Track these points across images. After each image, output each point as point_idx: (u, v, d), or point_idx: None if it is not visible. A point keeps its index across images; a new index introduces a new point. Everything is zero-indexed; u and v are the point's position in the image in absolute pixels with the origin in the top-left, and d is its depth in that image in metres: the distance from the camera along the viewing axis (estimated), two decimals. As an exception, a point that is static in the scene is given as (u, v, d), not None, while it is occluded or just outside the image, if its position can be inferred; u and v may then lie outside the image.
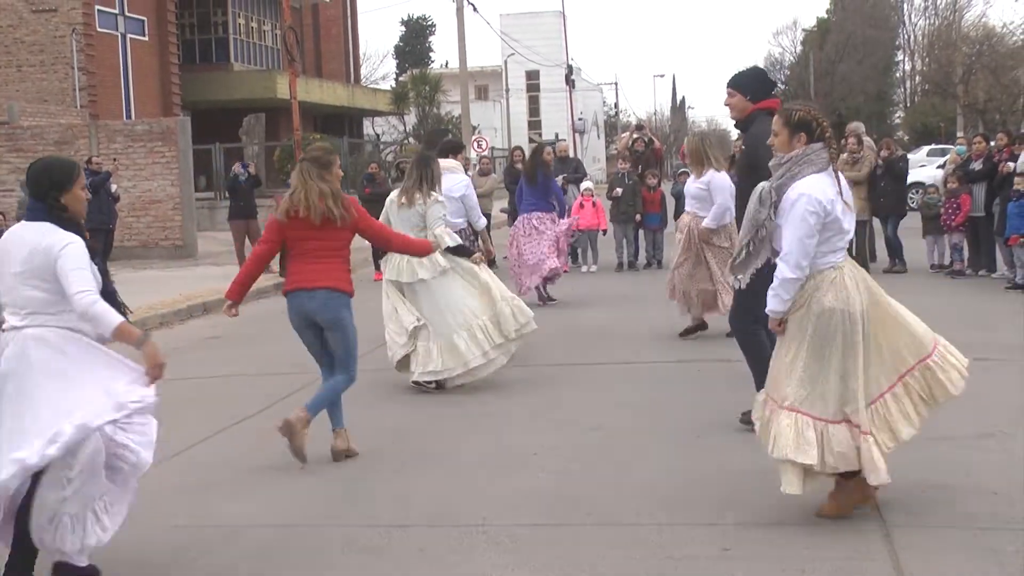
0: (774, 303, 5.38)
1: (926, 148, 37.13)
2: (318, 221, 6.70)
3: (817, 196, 5.26)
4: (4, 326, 4.92)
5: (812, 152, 5.37)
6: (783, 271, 5.32)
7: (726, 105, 7.44)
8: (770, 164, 5.56)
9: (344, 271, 6.92)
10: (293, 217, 6.78)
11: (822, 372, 5.28)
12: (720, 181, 10.57)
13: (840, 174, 5.49)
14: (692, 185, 11.01)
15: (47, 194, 4.90)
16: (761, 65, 70.69)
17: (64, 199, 4.91)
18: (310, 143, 30.05)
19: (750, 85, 7.29)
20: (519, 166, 17.52)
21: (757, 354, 7.19)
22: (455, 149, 10.71)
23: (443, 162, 9.74)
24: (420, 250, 7.80)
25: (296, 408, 6.90)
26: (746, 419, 7.28)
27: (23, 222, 4.99)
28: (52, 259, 4.78)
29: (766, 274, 7.13)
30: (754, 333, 7.18)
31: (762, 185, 5.48)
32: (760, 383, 7.26)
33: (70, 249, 4.81)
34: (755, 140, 7.11)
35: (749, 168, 7.23)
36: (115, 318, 4.82)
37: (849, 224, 5.44)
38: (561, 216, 14.17)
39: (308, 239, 6.81)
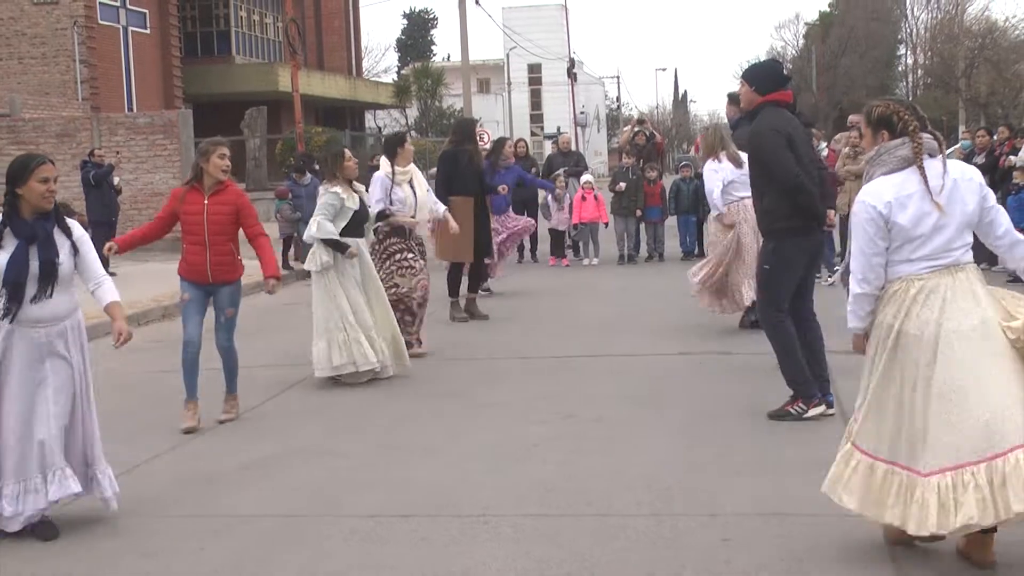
0: (851, 320, 4.92)
1: None
2: None
3: (872, 202, 4.76)
4: None
5: (885, 151, 4.84)
6: (852, 286, 4.88)
7: (739, 95, 7.63)
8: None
9: None
10: None
11: (881, 402, 4.76)
12: (706, 170, 10.82)
13: (933, 164, 4.80)
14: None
15: None
16: (763, 59, 70.99)
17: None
18: (312, 136, 30.18)
19: (758, 78, 7.43)
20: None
21: (784, 344, 7.27)
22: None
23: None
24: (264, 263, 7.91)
25: None
26: (776, 415, 7.33)
27: None
28: None
29: (783, 262, 7.21)
30: (780, 323, 7.28)
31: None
32: (788, 376, 7.31)
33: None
34: (758, 131, 7.21)
35: (753, 159, 7.34)
36: None
37: (928, 228, 4.72)
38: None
39: None
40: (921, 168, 4.77)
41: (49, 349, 5.52)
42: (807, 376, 7.25)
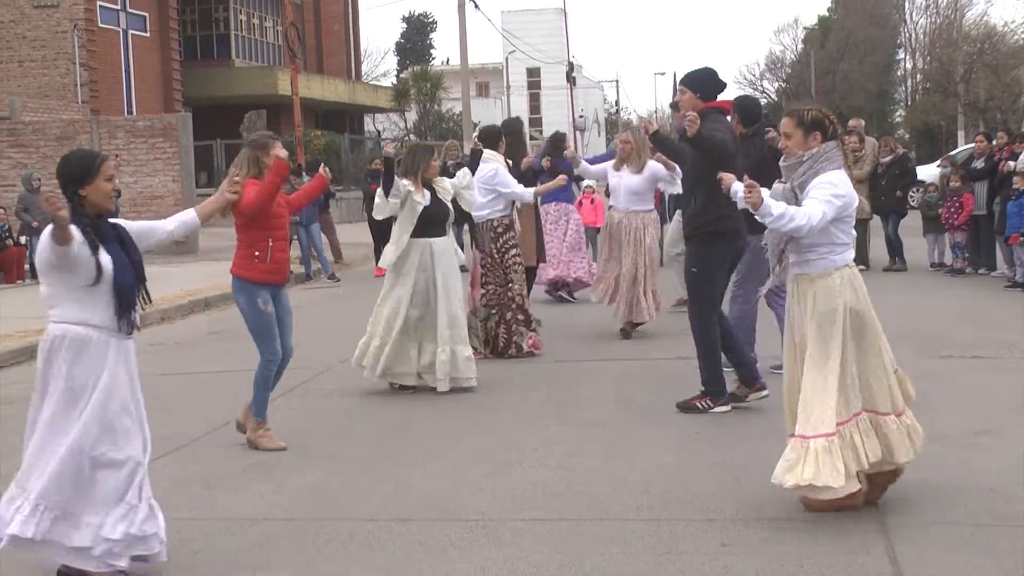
0: (765, 209, 5.27)
1: None
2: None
3: (848, 191, 5.38)
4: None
5: (829, 150, 5.44)
6: (797, 220, 5.24)
7: (677, 102, 7.76)
8: (783, 164, 5.59)
9: (237, 255, 7.02)
10: None
11: (845, 371, 5.32)
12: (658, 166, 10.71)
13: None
14: (632, 179, 10.95)
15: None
16: (762, 63, 70.92)
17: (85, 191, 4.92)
18: (311, 139, 30.19)
19: (702, 84, 7.65)
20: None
21: (709, 345, 7.70)
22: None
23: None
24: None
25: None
26: (684, 406, 7.77)
27: None
28: None
29: (708, 266, 7.49)
30: (709, 323, 7.67)
31: (779, 186, 5.55)
32: (706, 375, 7.75)
33: None
34: (712, 127, 7.31)
35: (696, 157, 7.50)
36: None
37: (854, 221, 5.59)
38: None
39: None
40: (849, 168, 5.51)
41: (133, 364, 5.08)
42: (722, 378, 7.73)
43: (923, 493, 5.74)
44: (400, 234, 8.75)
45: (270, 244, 7.01)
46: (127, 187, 22.01)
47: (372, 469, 6.68)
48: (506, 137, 11.33)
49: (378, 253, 18.52)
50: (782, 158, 5.61)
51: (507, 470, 6.52)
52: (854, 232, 5.63)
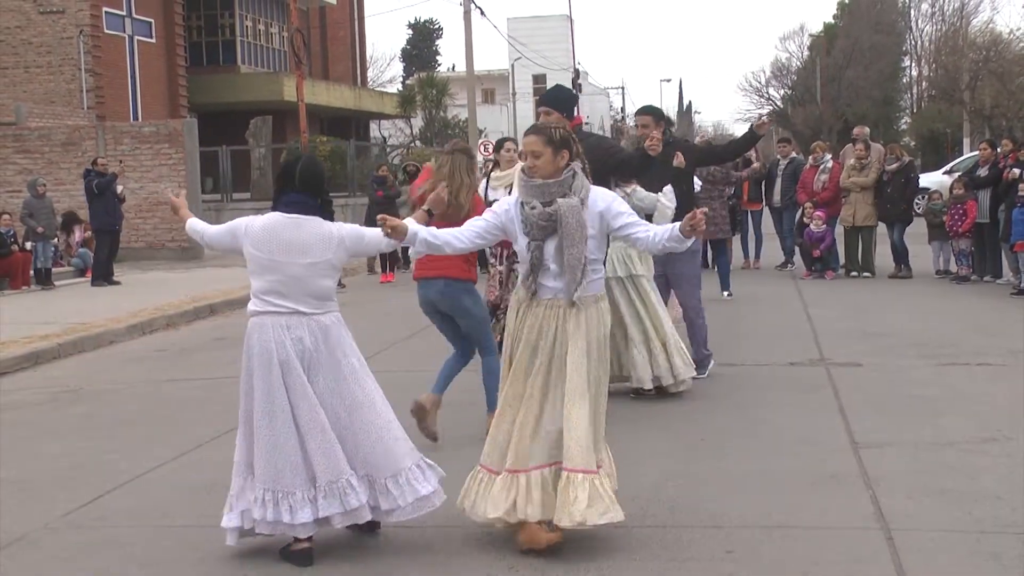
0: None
1: None
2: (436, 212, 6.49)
3: None
4: (256, 310, 5.53)
5: (583, 169, 5.32)
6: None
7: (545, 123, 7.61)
8: (536, 183, 5.25)
9: (461, 260, 6.96)
10: None
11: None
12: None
13: None
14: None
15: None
16: (768, 71, 71.06)
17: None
18: (316, 146, 30.24)
19: (566, 104, 7.59)
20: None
21: None
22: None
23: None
24: None
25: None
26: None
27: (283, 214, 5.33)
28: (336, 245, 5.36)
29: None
30: None
31: (567, 203, 5.17)
32: None
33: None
34: (589, 153, 7.30)
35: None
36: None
37: None
38: None
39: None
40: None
41: None
42: None
43: (929, 500, 5.73)
44: None
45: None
46: (133, 193, 22.03)
47: (376, 475, 6.66)
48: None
49: (384, 260, 18.63)
50: (527, 172, 5.31)
51: (511, 476, 6.50)
52: None
